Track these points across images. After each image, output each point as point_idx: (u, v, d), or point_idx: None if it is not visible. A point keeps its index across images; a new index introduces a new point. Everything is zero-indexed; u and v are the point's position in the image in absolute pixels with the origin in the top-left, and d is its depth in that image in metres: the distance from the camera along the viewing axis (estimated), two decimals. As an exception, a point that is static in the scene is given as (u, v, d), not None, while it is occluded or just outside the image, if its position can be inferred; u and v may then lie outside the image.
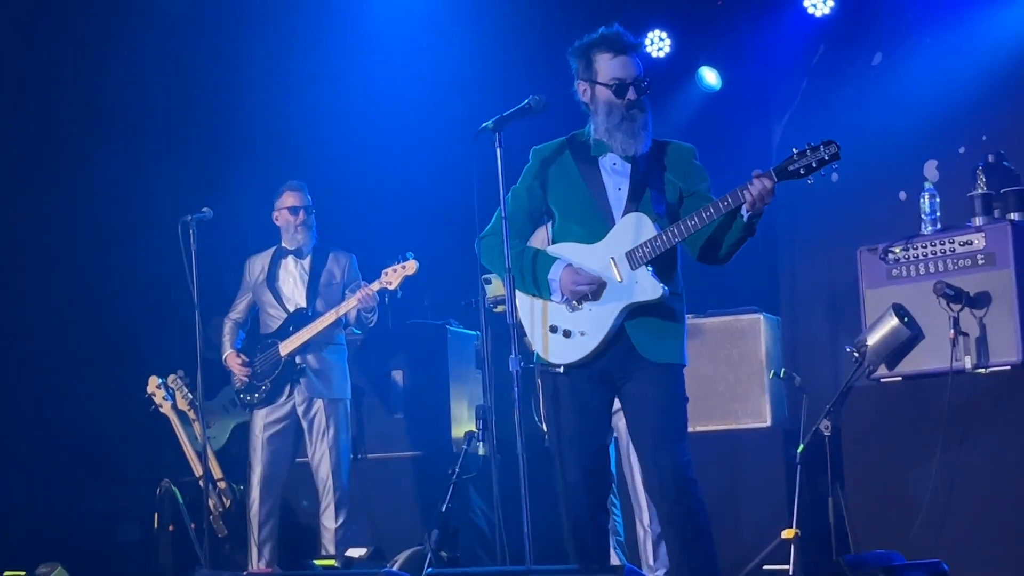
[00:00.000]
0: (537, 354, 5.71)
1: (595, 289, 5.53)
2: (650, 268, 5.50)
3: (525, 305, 5.72)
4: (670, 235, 5.46)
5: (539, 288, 5.63)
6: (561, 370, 5.60)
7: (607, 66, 5.58)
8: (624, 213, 5.58)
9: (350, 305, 8.15)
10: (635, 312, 5.54)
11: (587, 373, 5.59)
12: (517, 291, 5.71)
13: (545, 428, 7.35)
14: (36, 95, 9.50)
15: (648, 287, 5.50)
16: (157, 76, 9.74)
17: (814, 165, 5.33)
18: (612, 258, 5.55)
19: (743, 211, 5.40)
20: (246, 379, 8.31)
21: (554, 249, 5.69)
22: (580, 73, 5.66)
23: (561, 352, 5.61)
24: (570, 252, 5.64)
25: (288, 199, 8.40)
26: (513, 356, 5.60)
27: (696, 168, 5.71)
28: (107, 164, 9.66)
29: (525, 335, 5.82)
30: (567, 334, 5.59)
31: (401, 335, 9.06)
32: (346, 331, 8.49)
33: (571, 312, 5.59)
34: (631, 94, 5.56)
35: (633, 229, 5.54)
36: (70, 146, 9.65)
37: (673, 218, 5.60)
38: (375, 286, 8.08)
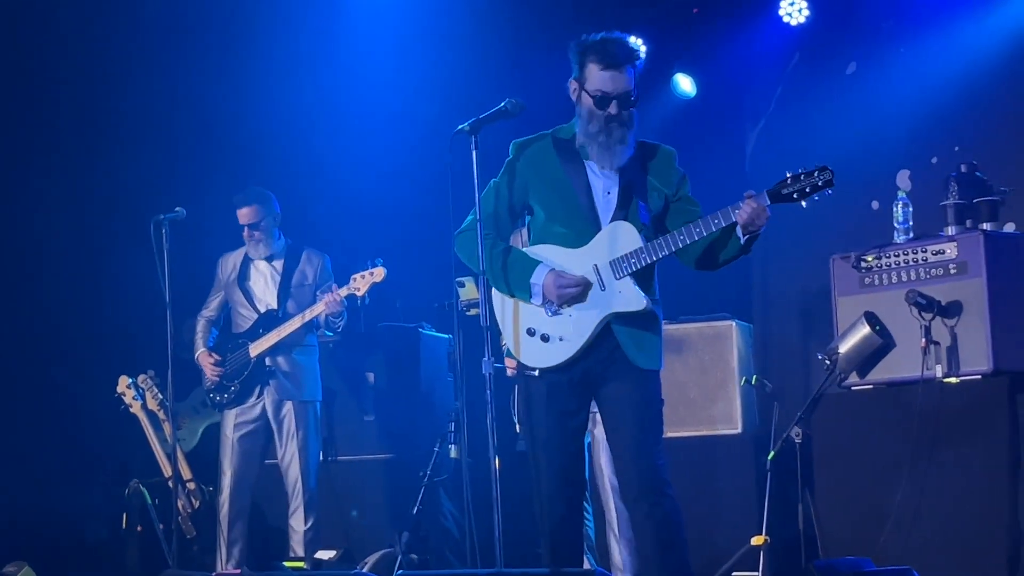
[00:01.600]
0: (509, 352, 5.69)
1: (581, 291, 5.52)
2: (633, 278, 5.51)
3: (498, 303, 5.71)
4: (657, 249, 5.46)
5: (517, 290, 5.59)
6: (536, 373, 5.59)
7: (595, 76, 5.52)
8: (612, 220, 5.56)
9: (317, 310, 8.13)
10: (617, 320, 5.53)
11: (567, 376, 5.57)
12: (494, 291, 5.70)
13: (519, 428, 7.37)
14: (9, 93, 9.46)
15: (632, 298, 5.50)
16: (131, 75, 9.71)
17: (807, 190, 5.37)
18: (595, 265, 5.53)
19: (739, 232, 5.42)
20: (217, 378, 8.29)
21: (535, 251, 5.65)
22: (574, 72, 5.62)
23: (538, 356, 5.58)
24: (552, 255, 5.60)
25: (239, 215, 8.35)
26: (486, 359, 5.59)
27: (678, 173, 5.69)
28: (80, 162, 9.64)
29: (501, 335, 5.81)
30: (545, 338, 5.56)
31: (373, 338, 9.04)
32: (318, 332, 8.47)
33: (550, 316, 5.57)
34: (612, 108, 5.50)
35: (618, 238, 5.52)
36: (42, 145, 9.62)
37: (658, 226, 5.61)
38: (343, 292, 8.06)
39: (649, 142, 5.74)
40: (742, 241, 5.44)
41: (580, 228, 5.58)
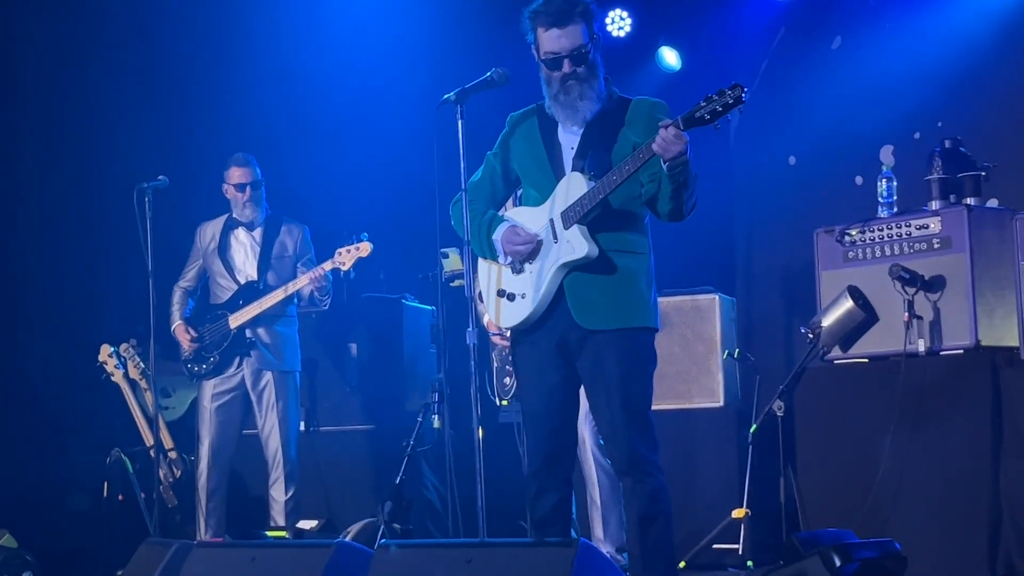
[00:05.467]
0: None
1: (533, 248, 5.52)
2: (584, 226, 5.44)
3: (484, 273, 5.73)
4: (594, 193, 5.41)
5: (488, 251, 5.65)
6: (508, 334, 5.61)
7: (543, 40, 5.52)
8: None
9: (300, 284, 8.14)
10: (576, 274, 5.49)
11: (544, 344, 5.55)
12: (479, 259, 5.72)
13: (498, 402, 7.40)
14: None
15: (576, 246, 5.45)
16: (115, 41, 9.67)
17: (719, 109, 5.19)
18: (551, 219, 5.53)
19: (662, 163, 5.29)
20: (193, 352, 8.28)
21: (508, 213, 5.72)
22: (531, 41, 5.61)
23: (505, 315, 5.60)
24: (519, 215, 5.66)
25: (234, 175, 8.34)
26: (470, 330, 5.59)
27: (658, 121, 5.43)
28: (64, 129, 9.60)
29: (482, 301, 5.82)
30: (511, 297, 5.58)
31: (356, 309, 9.04)
32: (299, 306, 8.46)
33: (515, 275, 5.59)
34: (566, 67, 5.48)
35: (570, 189, 5.50)
36: (23, 113, 9.58)
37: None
38: (327, 266, 8.07)
39: (641, 97, 5.67)
40: (665, 170, 5.30)
41: (545, 187, 5.59)
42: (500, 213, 5.73)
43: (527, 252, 5.53)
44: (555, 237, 5.51)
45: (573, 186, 5.50)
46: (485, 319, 6.78)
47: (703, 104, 5.22)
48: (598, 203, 5.41)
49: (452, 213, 5.79)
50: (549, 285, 5.50)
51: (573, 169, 5.54)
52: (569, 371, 5.58)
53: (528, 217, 5.62)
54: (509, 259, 5.59)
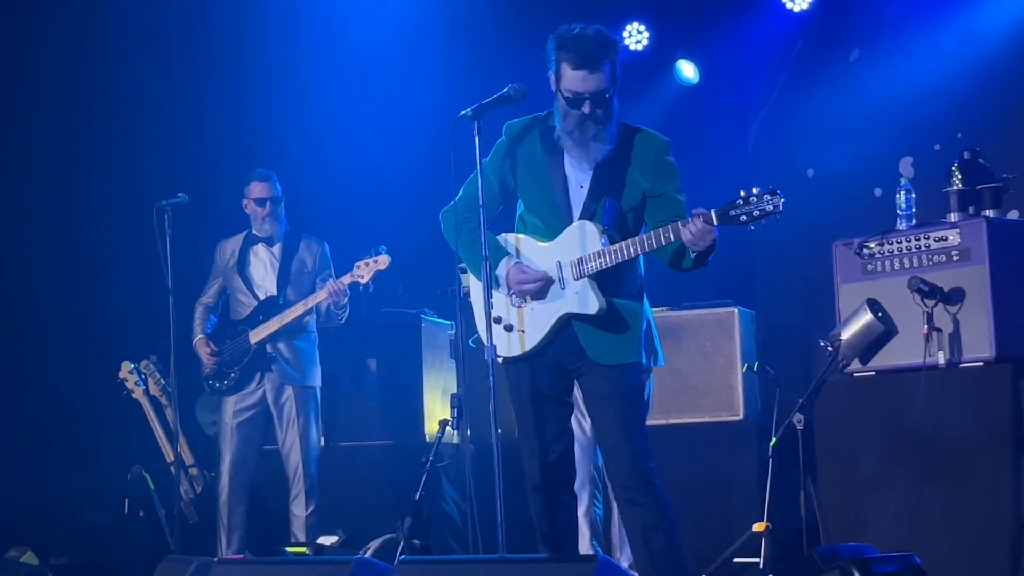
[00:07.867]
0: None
1: (541, 287, 5.53)
2: (594, 280, 5.48)
3: (476, 292, 5.71)
4: (611, 255, 5.42)
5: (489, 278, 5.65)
6: (500, 360, 5.63)
7: (567, 76, 5.45)
8: (581, 215, 5.54)
9: (319, 297, 8.14)
10: (577, 318, 5.53)
11: (539, 362, 5.59)
12: (471, 276, 5.73)
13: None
14: (11, 76, 9.46)
15: (587, 301, 5.49)
16: (134, 60, 9.71)
17: (756, 214, 5.25)
18: (559, 262, 5.54)
19: (689, 250, 5.34)
20: (214, 366, 8.29)
21: (508, 238, 5.70)
22: (550, 67, 5.56)
23: (502, 344, 5.62)
24: (522, 246, 5.65)
25: (255, 190, 8.36)
26: (488, 345, 5.59)
27: (665, 165, 5.57)
28: (83, 148, 9.64)
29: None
30: (508, 328, 5.61)
31: (375, 324, 9.05)
32: (318, 320, 8.47)
33: (515, 307, 5.61)
34: (586, 108, 5.44)
35: (582, 238, 5.50)
36: (46, 129, 9.61)
37: (626, 224, 5.54)
38: (346, 279, 8.07)
39: (644, 130, 5.67)
40: (692, 256, 5.35)
41: (552, 222, 5.58)
42: (504, 237, 5.71)
43: (534, 292, 5.54)
44: (562, 283, 5.52)
45: (588, 238, 5.50)
46: None
47: (740, 203, 5.26)
48: (612, 265, 5.44)
49: (442, 220, 5.81)
50: (552, 327, 5.55)
51: (583, 211, 5.54)
52: (565, 384, 5.66)
53: (531, 251, 5.62)
54: (512, 292, 5.60)
